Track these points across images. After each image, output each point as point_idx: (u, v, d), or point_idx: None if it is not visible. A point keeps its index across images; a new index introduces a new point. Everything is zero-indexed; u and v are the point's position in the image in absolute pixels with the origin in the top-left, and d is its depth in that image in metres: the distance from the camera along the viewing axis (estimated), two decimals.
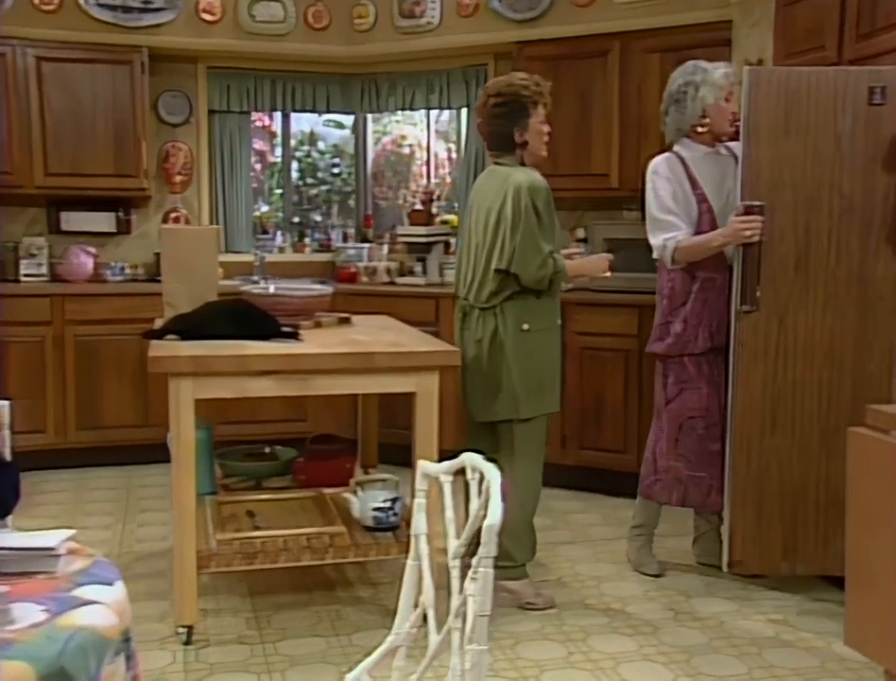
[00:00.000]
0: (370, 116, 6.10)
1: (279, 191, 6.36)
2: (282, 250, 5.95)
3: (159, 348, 2.68)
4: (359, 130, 6.14)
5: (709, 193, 3.26)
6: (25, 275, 5.11)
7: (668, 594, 3.26)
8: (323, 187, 7.92)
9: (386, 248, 5.75)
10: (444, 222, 5.55)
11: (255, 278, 5.47)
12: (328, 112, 5.96)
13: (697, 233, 3.21)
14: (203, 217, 5.66)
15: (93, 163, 5.05)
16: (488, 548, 1.27)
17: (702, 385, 3.24)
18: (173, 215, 5.58)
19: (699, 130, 3.27)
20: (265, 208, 6.70)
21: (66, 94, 4.97)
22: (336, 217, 6.58)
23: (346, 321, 3.43)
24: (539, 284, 2.97)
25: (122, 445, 4.88)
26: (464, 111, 5.62)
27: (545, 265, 2.95)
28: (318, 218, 7.84)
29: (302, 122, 7.62)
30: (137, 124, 5.13)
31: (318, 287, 3.52)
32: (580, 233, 4.95)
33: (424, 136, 6.12)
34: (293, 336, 2.87)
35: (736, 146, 3.28)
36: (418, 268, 5.38)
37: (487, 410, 3.06)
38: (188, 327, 2.88)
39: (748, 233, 3.02)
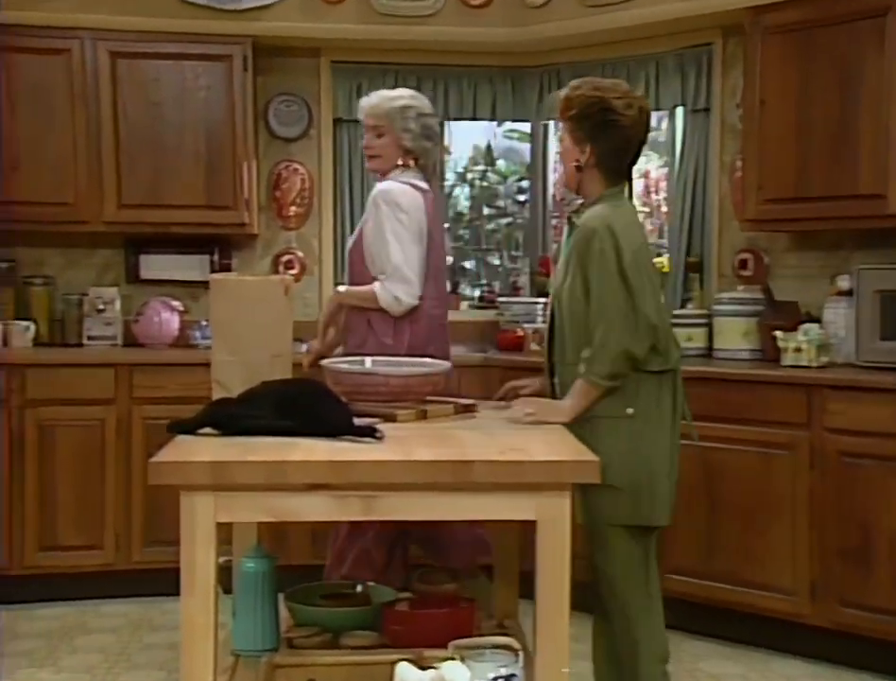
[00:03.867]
0: (552, 124, 5.94)
1: (446, 226, 6.32)
2: None
3: (172, 449, 2.56)
4: (537, 143, 6.01)
5: None
6: (91, 338, 5.27)
7: None
8: (503, 220, 7.86)
9: None
10: None
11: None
12: (493, 119, 5.85)
13: None
14: (325, 260, 5.68)
15: (179, 191, 5.19)
16: None
17: None
18: (285, 257, 5.65)
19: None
20: None
21: (146, 100, 5.16)
22: (522, 259, 6.47)
23: (468, 409, 3.24)
24: None
25: None
26: (679, 111, 5.38)
27: None
28: (497, 262, 7.77)
29: (475, 133, 7.63)
30: (238, 139, 5.24)
31: (430, 362, 3.34)
32: (844, 282, 4.55)
33: None
34: (370, 433, 2.69)
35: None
36: None
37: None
38: (227, 418, 2.76)
39: None
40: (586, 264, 3.01)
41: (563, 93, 3.15)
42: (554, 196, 6.00)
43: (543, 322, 3.52)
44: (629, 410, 3.02)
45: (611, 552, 3.05)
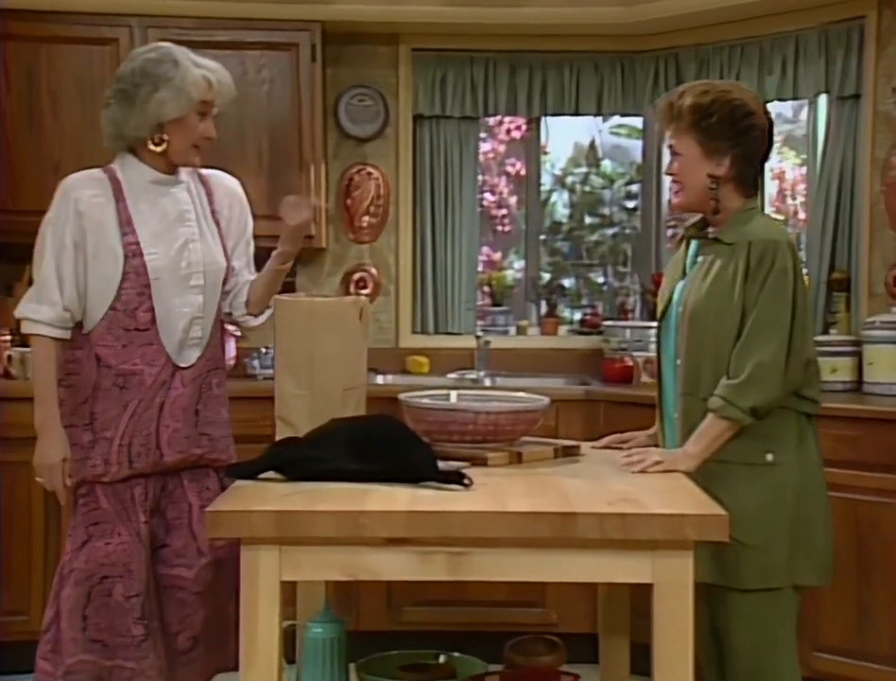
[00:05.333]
0: None
1: (542, 237, 6.36)
2: (521, 330, 5.90)
3: (232, 496, 2.62)
4: (651, 140, 6.01)
5: (146, 240, 3.30)
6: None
7: None
8: (608, 231, 7.86)
9: None
10: None
11: (474, 374, 5.44)
12: (599, 113, 5.88)
13: (117, 299, 3.29)
14: (403, 278, 5.72)
15: None
16: None
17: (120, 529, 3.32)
18: (356, 275, 5.71)
19: (151, 147, 3.35)
20: (518, 265, 6.72)
21: None
22: (631, 276, 6.49)
23: (569, 452, 3.25)
24: None
25: None
26: (822, 99, 5.36)
27: None
28: (601, 279, 7.78)
29: (576, 130, 7.65)
30: (304, 139, 5.32)
31: (526, 397, 3.36)
32: None
33: None
34: (456, 479, 2.71)
35: (216, 175, 3.64)
36: None
37: None
38: (294, 460, 2.80)
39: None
40: (757, 281, 2.99)
41: (688, 101, 3.12)
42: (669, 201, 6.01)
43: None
44: (769, 456, 3.02)
45: (738, 621, 3.03)
